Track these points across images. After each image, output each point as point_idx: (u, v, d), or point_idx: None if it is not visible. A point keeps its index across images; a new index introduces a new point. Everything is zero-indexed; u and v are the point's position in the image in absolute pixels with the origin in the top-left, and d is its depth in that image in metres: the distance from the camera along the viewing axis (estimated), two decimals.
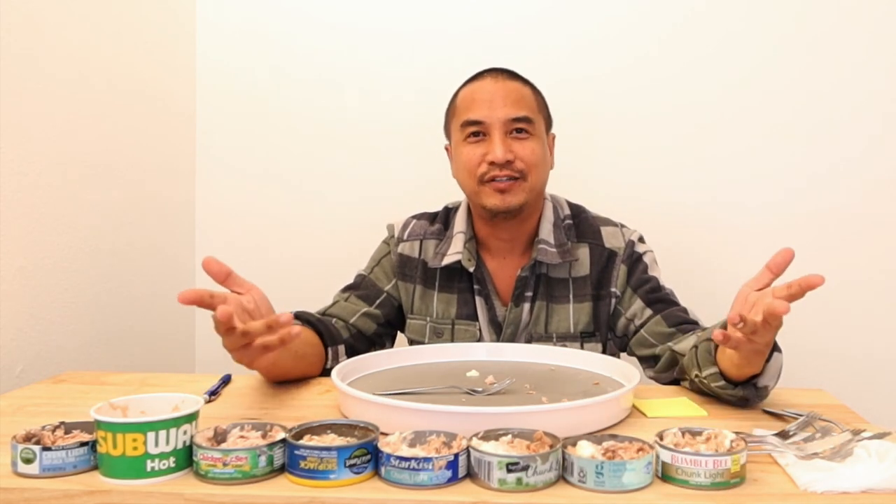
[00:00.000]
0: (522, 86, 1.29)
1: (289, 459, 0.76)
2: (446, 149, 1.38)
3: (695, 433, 0.80)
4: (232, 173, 1.89)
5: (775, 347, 0.99)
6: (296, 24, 1.86)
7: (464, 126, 1.27)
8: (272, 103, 1.87)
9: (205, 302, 0.89)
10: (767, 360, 0.97)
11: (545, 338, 1.30)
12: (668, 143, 1.81)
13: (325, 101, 1.87)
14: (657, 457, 0.76)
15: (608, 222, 1.37)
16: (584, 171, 1.77)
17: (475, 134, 1.26)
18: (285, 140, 1.88)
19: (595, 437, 0.79)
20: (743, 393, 0.99)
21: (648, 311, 1.27)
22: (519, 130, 1.25)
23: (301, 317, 1.26)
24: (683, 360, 1.11)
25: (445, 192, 1.47)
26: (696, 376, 1.05)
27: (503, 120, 1.25)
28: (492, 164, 1.24)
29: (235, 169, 1.89)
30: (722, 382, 1.00)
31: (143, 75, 1.65)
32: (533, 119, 1.27)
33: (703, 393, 1.07)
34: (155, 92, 1.71)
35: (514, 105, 1.25)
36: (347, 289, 1.38)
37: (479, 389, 1.03)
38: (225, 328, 0.88)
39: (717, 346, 1.01)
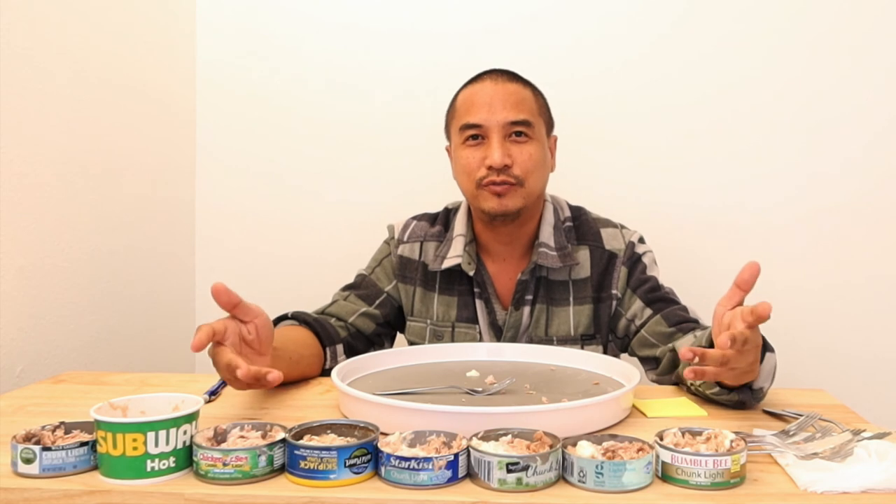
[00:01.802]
0: (522, 88, 1.29)
1: (289, 459, 0.76)
2: (447, 150, 1.38)
3: (695, 433, 0.80)
4: (232, 173, 1.89)
5: (767, 347, 0.99)
6: (296, 24, 1.86)
7: (463, 129, 1.27)
8: (272, 103, 1.87)
9: (213, 339, 0.92)
10: (760, 362, 0.97)
11: (545, 341, 1.30)
12: (667, 142, 1.81)
13: (326, 101, 1.86)
14: (657, 457, 0.76)
15: (608, 224, 1.37)
16: (582, 171, 1.77)
17: (474, 137, 1.26)
18: (285, 140, 1.88)
19: (595, 437, 0.79)
20: (739, 397, 1.00)
21: (648, 311, 1.27)
22: (518, 134, 1.25)
23: (298, 317, 1.26)
24: (678, 369, 1.12)
25: (445, 192, 1.47)
26: (692, 384, 1.06)
27: (502, 123, 1.24)
28: (490, 168, 1.24)
29: (235, 169, 1.89)
30: (716, 389, 1.01)
31: (143, 75, 1.65)
32: (532, 122, 1.26)
33: (702, 398, 1.07)
34: (155, 92, 1.71)
35: (513, 108, 1.25)
36: (348, 288, 1.38)
37: (479, 389, 1.03)
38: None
39: None
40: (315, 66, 1.86)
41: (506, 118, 1.24)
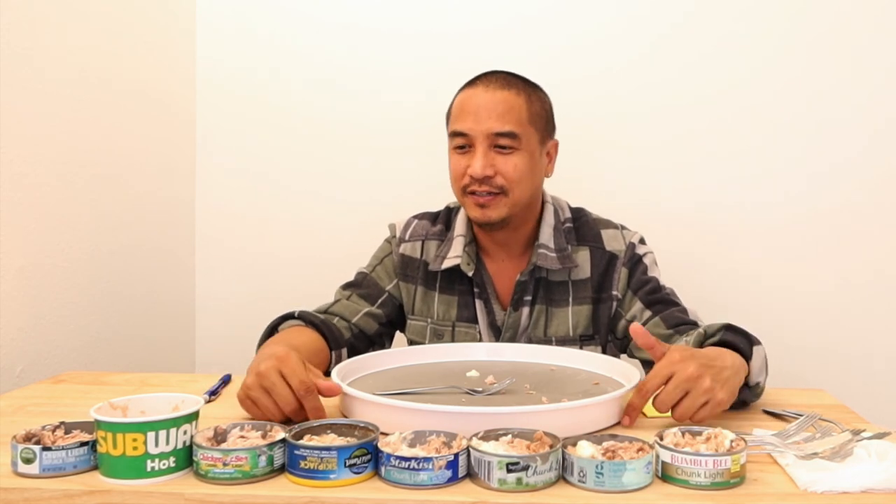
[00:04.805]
0: (514, 95, 1.25)
1: (289, 459, 0.76)
2: None
3: (695, 433, 0.80)
4: (232, 173, 1.89)
5: (753, 342, 1.00)
6: (296, 24, 1.86)
7: (451, 136, 1.28)
8: (272, 103, 1.87)
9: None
10: (749, 358, 0.98)
11: (544, 341, 1.30)
12: (667, 142, 1.81)
13: (325, 101, 1.86)
14: (657, 457, 0.76)
15: (609, 224, 1.36)
16: (582, 172, 1.77)
17: (461, 144, 1.26)
18: (285, 140, 1.88)
19: (595, 437, 0.79)
20: (739, 396, 1.00)
21: (648, 313, 1.27)
22: (503, 147, 1.24)
23: (305, 318, 1.25)
24: None
25: (445, 192, 1.47)
26: None
27: (486, 133, 1.23)
28: (472, 177, 1.24)
29: (235, 169, 1.89)
30: None
31: (143, 75, 1.65)
32: (518, 133, 1.24)
33: None
34: (155, 92, 1.71)
35: (498, 119, 1.23)
36: (349, 286, 1.38)
37: (479, 389, 1.03)
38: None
39: None
40: (315, 66, 1.86)
41: (490, 128, 1.23)
